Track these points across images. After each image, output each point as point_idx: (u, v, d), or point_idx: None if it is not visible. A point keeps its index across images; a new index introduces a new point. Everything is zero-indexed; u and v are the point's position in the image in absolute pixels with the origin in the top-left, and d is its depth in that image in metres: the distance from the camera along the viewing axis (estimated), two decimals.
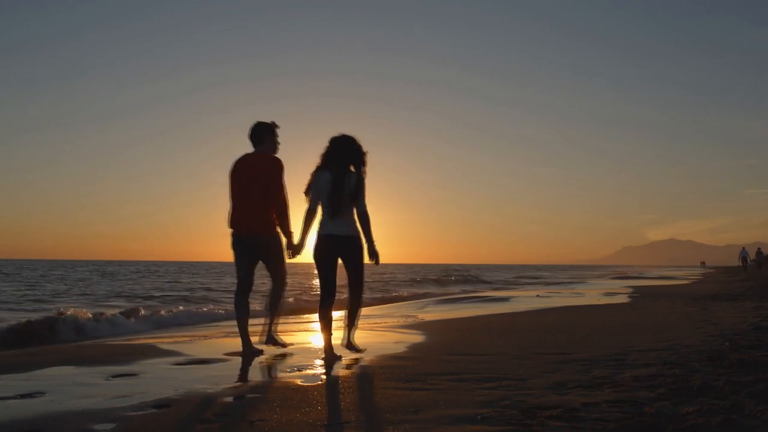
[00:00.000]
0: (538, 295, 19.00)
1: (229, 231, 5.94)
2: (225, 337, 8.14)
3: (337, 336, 6.01)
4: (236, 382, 4.76)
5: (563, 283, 33.58)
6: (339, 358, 5.66)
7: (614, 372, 4.83)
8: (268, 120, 6.08)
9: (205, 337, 8.22)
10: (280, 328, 6.46)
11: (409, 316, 11.49)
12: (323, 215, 5.72)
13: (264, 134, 6.00)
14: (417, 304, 14.87)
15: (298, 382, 4.71)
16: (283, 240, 6.06)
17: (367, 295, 7.41)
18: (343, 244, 5.68)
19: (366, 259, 5.80)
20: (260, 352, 6.00)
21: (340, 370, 5.21)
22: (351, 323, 5.92)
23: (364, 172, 5.72)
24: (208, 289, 26.65)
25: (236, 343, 7.32)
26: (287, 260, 6.06)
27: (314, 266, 5.81)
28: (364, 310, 7.02)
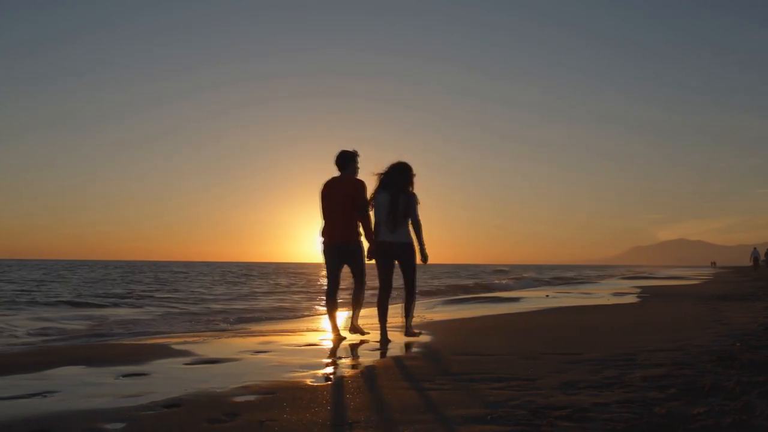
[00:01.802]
0: (547, 296, 18.96)
1: (321, 240, 7.32)
2: (233, 336, 8.16)
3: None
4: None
5: (572, 283, 33.48)
6: (388, 341, 7.04)
7: (624, 372, 4.82)
8: (350, 149, 7.35)
9: (217, 336, 8.24)
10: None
11: (416, 316, 11.48)
12: (383, 226, 7.03)
13: (348, 161, 7.29)
14: (426, 304, 14.84)
15: (308, 381, 4.73)
16: (365, 247, 7.30)
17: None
18: (400, 250, 7.06)
19: (417, 260, 7.14)
20: (344, 338, 7.32)
21: (347, 370, 5.22)
22: (408, 313, 7.33)
23: (412, 191, 7.07)
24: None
25: (245, 343, 7.35)
26: (367, 263, 7.34)
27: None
28: (372, 311, 7.67)
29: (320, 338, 7.88)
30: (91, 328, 10.37)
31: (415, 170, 7.15)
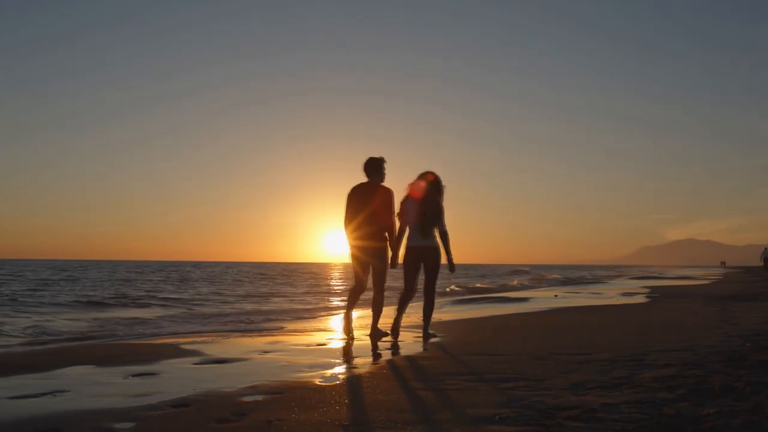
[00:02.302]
0: (556, 296, 18.91)
1: (348, 243, 7.42)
2: (242, 337, 8.18)
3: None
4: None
5: (581, 283, 33.39)
6: (386, 334, 7.43)
7: (633, 372, 4.80)
8: (377, 155, 7.46)
9: (225, 336, 8.27)
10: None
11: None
12: (412, 231, 7.41)
13: (376, 168, 7.41)
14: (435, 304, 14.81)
15: (317, 381, 4.73)
16: (389, 254, 7.45)
17: (387, 293, 7.91)
18: (427, 253, 7.40)
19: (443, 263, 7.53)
20: (386, 334, 7.54)
21: (356, 370, 5.22)
22: (428, 317, 7.70)
23: (442, 200, 7.46)
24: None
25: (254, 343, 7.36)
26: (389, 268, 7.50)
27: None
28: (385, 310, 7.77)
29: (328, 338, 7.89)
30: (99, 328, 10.40)
31: (444, 182, 7.57)
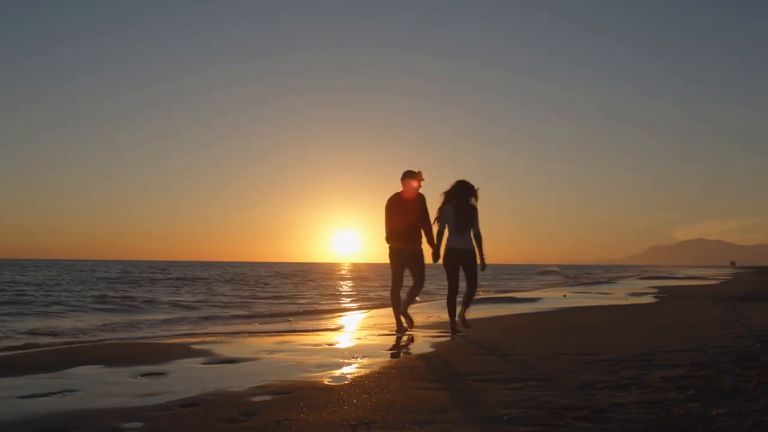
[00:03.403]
0: (565, 296, 18.87)
1: (389, 246, 8.24)
2: (250, 336, 8.20)
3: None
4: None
5: (589, 283, 33.31)
6: (458, 331, 8.09)
7: (642, 373, 4.79)
8: (415, 170, 8.26)
9: (234, 336, 8.29)
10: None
11: (432, 316, 11.49)
12: (450, 234, 8.04)
13: (412, 179, 8.21)
14: (442, 304, 14.80)
15: (326, 381, 4.74)
16: (426, 252, 8.26)
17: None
18: (464, 255, 8.00)
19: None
20: (406, 330, 8.41)
21: (364, 370, 5.23)
22: (466, 305, 8.32)
23: (476, 205, 8.08)
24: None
25: (263, 343, 7.38)
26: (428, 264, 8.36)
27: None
28: (390, 311, 8.13)
29: (336, 338, 7.90)
30: (109, 328, 10.45)
31: (477, 186, 8.20)
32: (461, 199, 8.07)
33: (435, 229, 8.19)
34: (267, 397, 4.18)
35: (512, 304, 15.07)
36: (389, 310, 8.97)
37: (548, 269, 70.85)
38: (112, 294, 20.76)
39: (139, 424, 3.50)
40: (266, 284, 30.75)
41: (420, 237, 8.24)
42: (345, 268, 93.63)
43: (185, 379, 4.97)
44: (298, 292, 23.85)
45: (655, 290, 21.64)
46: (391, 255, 8.24)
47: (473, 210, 8.04)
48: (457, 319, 8.28)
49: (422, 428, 3.31)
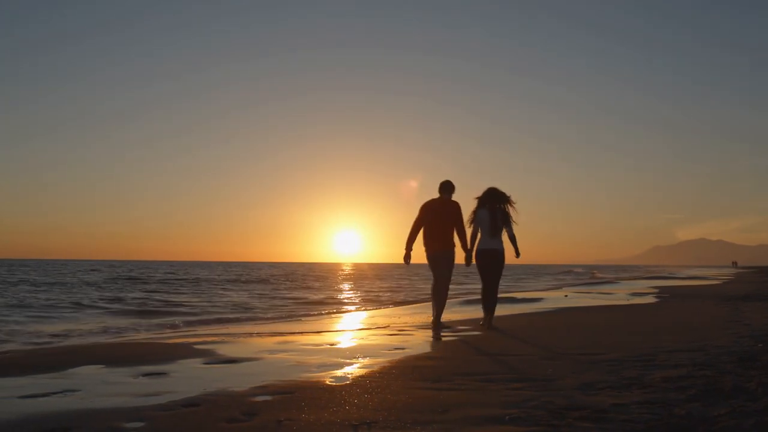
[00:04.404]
0: (566, 296, 18.87)
1: (426, 249, 8.99)
2: (251, 336, 8.20)
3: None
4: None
5: (591, 283, 33.29)
6: (492, 327, 8.68)
7: (643, 373, 4.79)
8: (450, 180, 9.16)
9: (235, 336, 8.29)
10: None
11: (431, 316, 11.46)
12: (483, 236, 8.79)
13: (447, 187, 9.13)
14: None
15: (327, 381, 4.74)
16: (458, 254, 9.02)
17: (384, 295, 8.01)
18: (496, 255, 8.78)
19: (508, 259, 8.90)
20: (444, 327, 8.91)
21: (366, 370, 5.23)
22: (491, 312, 8.92)
23: (509, 209, 8.85)
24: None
25: (264, 343, 7.39)
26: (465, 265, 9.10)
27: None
28: (392, 311, 8.23)
29: (338, 338, 7.90)
30: (111, 329, 10.46)
31: (509, 193, 8.99)
32: (494, 204, 8.82)
33: (469, 232, 8.93)
34: (268, 397, 4.18)
35: (513, 304, 15.06)
36: (390, 310, 9.14)
37: (569, 269, 70.57)
38: (111, 294, 20.78)
39: (140, 424, 3.50)
40: (268, 284, 30.76)
41: (453, 239, 8.95)
42: (346, 268, 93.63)
43: (186, 379, 4.98)
44: (300, 292, 23.84)
45: (656, 290, 21.63)
46: (430, 256, 8.95)
47: (507, 215, 8.80)
48: (481, 323, 8.90)
49: (423, 428, 3.31)
